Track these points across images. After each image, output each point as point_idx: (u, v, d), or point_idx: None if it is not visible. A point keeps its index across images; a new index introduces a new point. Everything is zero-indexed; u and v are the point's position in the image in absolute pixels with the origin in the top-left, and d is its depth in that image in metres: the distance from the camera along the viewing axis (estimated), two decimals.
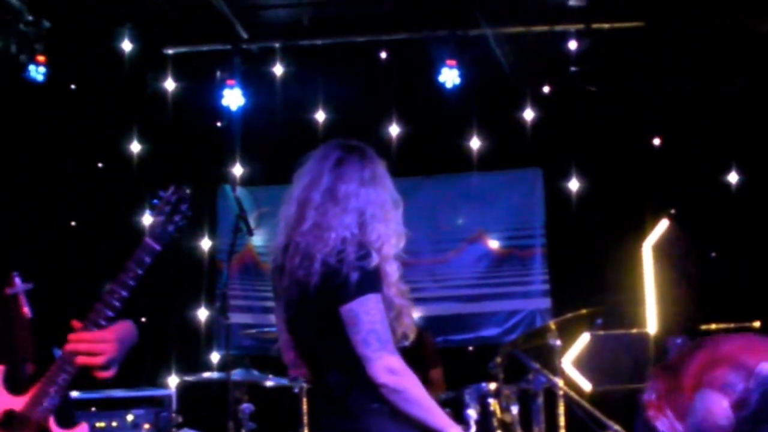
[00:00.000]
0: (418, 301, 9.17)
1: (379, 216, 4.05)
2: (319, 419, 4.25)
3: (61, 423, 3.74)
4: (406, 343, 4.14)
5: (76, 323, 3.73)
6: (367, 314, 3.87)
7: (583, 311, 7.21)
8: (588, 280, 8.97)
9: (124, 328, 3.86)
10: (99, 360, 3.69)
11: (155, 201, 3.92)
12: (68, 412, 3.83)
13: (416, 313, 8.13)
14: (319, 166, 4.13)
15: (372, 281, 3.91)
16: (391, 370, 3.85)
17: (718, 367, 4.03)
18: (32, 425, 3.67)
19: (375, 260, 3.94)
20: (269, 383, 7.09)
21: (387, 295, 4.00)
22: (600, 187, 9.57)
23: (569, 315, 7.19)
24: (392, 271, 4.03)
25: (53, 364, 3.70)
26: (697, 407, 3.99)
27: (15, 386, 3.72)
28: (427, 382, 7.92)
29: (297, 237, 4.05)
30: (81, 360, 3.68)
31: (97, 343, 3.71)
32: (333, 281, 3.89)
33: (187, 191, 3.97)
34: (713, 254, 9.50)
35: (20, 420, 3.67)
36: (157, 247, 3.85)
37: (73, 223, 8.95)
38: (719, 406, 3.91)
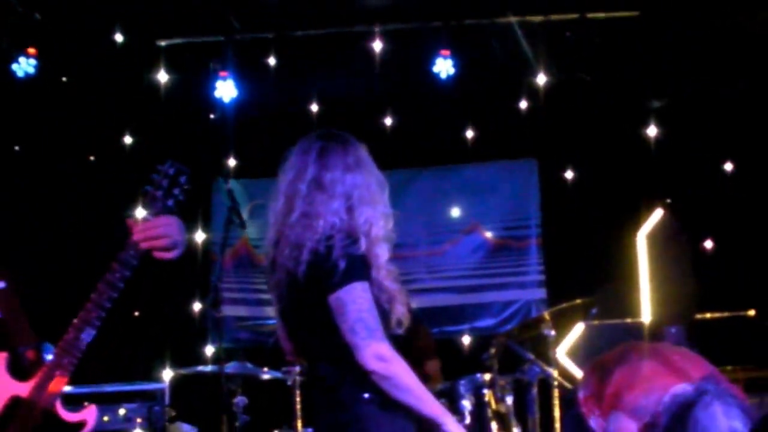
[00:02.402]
0: (414, 292, 9.19)
1: (366, 199, 4.08)
2: (315, 410, 4.24)
3: (68, 406, 3.77)
4: (400, 331, 4.14)
5: (129, 221, 3.81)
6: (354, 303, 3.87)
7: (578, 301, 7.19)
8: (583, 270, 8.96)
9: (174, 219, 3.91)
10: (164, 242, 3.79)
11: (154, 176, 3.90)
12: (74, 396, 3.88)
13: (412, 304, 8.15)
14: (303, 159, 4.16)
15: (359, 269, 3.92)
16: (380, 357, 3.85)
17: (633, 390, 4.19)
18: (39, 410, 3.71)
19: (363, 246, 3.96)
20: (263, 376, 7.09)
21: (377, 279, 4.01)
22: (595, 177, 9.56)
23: (564, 305, 7.17)
24: (382, 253, 4.04)
25: (56, 349, 3.73)
26: (611, 429, 4.12)
27: (19, 372, 3.75)
28: (423, 374, 7.90)
29: (286, 230, 4.07)
30: (147, 244, 3.75)
31: (160, 228, 3.79)
32: (320, 270, 3.90)
33: (183, 165, 3.96)
34: (709, 243, 9.50)
35: (27, 406, 3.70)
36: None
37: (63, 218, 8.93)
38: (629, 430, 4.05)
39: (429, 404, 3.97)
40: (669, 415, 3.81)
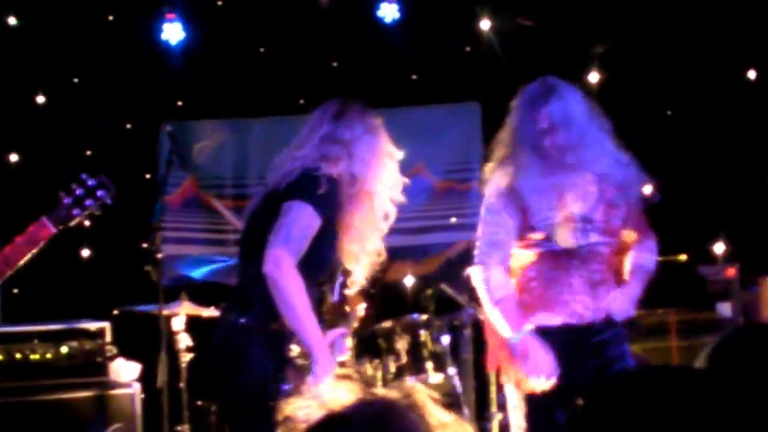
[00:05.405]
0: None
1: (369, 161, 4.41)
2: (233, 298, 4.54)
3: None
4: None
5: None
6: (296, 215, 4.08)
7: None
8: None
9: None
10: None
11: (72, 183, 3.90)
12: None
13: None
14: (319, 118, 4.46)
15: (327, 203, 4.17)
16: (278, 264, 4.00)
17: None
18: None
19: (352, 194, 4.21)
20: (205, 314, 7.20)
21: (342, 231, 4.36)
22: None
23: None
24: (380, 207, 4.48)
25: None
26: None
27: None
28: None
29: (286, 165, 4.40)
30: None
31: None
32: (303, 180, 4.18)
33: (110, 183, 3.97)
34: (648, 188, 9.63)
35: None
36: (53, 230, 3.82)
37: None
38: None
39: (310, 333, 4.08)
40: None
